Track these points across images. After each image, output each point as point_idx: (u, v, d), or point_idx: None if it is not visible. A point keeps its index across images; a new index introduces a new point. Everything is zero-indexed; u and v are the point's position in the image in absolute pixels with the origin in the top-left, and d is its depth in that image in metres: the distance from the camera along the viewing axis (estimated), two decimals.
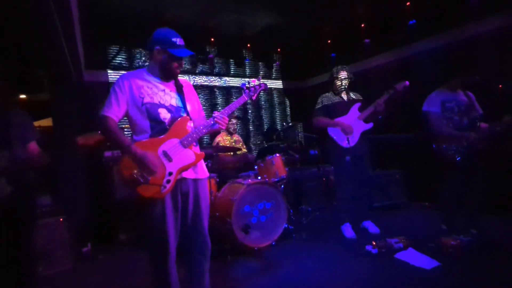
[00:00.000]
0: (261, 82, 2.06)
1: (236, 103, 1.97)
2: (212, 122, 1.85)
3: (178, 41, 1.79)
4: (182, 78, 1.99)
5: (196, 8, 3.99)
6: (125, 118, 1.82)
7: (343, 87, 3.31)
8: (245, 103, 2.07)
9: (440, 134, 2.85)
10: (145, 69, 1.87)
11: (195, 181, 1.87)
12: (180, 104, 1.85)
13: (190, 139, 1.79)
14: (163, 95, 1.82)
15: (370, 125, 3.21)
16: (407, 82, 3.00)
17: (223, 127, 1.91)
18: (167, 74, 1.84)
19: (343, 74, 3.29)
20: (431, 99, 2.94)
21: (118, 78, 1.81)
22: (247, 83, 2.05)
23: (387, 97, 3.07)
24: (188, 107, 1.88)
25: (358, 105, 3.27)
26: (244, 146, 4.48)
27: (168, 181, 1.70)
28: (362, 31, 4.76)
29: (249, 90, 2.02)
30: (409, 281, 2.23)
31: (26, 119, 2.18)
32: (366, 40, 4.80)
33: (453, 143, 2.79)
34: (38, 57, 3.48)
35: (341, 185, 3.33)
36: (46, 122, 4.69)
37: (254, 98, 2.05)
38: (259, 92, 2.06)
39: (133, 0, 3.71)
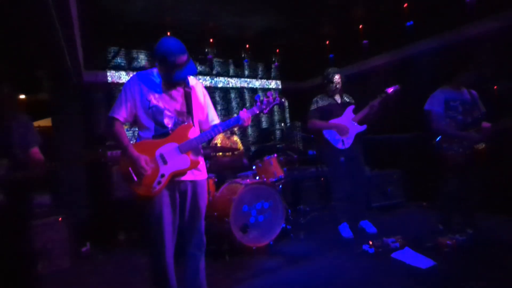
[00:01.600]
0: (276, 97, 1.96)
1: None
2: (213, 134, 1.88)
3: (178, 59, 1.72)
4: (191, 78, 1.96)
5: (195, 9, 4.00)
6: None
7: (336, 90, 3.37)
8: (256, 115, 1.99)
9: (441, 134, 2.85)
10: (157, 69, 1.87)
11: (193, 181, 1.90)
12: (185, 109, 1.86)
13: (188, 146, 1.81)
14: (169, 100, 1.83)
15: (364, 126, 3.27)
16: (397, 86, 3.08)
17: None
18: (170, 86, 1.85)
19: (337, 78, 3.34)
20: (434, 98, 2.91)
21: (129, 78, 1.85)
22: (261, 95, 1.97)
23: (379, 100, 3.14)
24: (194, 113, 1.89)
25: (352, 107, 3.34)
26: (242, 147, 4.50)
27: (159, 183, 1.75)
28: (360, 32, 4.78)
29: (261, 103, 1.94)
30: (405, 280, 2.25)
31: (28, 124, 2.10)
32: (364, 41, 4.82)
33: (454, 144, 2.79)
34: (38, 57, 3.51)
35: (336, 185, 3.36)
36: (46, 122, 4.71)
37: (265, 112, 1.96)
38: (273, 106, 1.96)
39: (133, 1, 3.73)
